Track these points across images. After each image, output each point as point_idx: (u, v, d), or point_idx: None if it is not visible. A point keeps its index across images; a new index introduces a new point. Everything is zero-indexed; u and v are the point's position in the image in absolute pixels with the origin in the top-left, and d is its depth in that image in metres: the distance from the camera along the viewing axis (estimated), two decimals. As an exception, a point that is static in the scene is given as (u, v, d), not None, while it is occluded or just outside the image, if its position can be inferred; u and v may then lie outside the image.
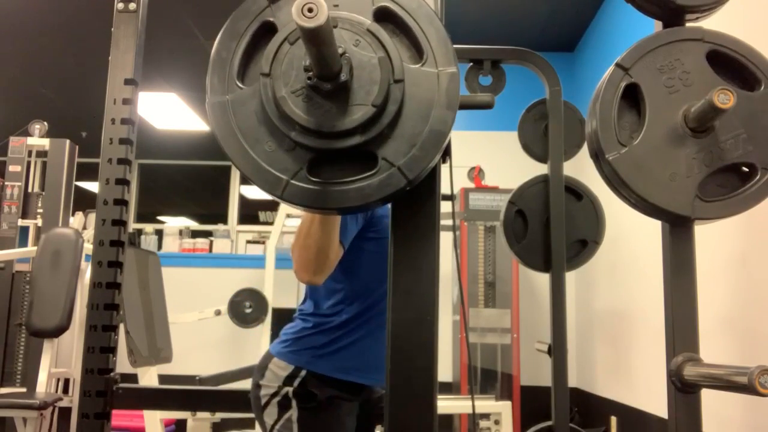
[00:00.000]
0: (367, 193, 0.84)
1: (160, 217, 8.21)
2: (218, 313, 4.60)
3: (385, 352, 1.53)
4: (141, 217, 7.01)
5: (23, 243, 4.31)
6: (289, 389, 1.43)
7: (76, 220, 4.45)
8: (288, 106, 0.84)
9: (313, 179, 0.85)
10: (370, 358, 1.51)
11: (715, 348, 2.23)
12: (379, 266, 1.51)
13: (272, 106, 0.85)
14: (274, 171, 0.85)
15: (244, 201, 6.93)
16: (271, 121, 0.85)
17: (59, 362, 4.03)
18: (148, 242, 5.54)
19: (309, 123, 0.83)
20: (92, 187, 6.52)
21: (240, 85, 0.88)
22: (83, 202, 4.76)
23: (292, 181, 0.85)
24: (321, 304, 1.52)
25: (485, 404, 3.24)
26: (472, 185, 4.40)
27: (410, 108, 0.86)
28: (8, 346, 4.03)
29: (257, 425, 1.51)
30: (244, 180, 6.75)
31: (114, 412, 1.67)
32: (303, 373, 1.45)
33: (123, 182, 1.69)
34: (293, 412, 1.42)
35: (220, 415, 2.94)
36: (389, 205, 1.54)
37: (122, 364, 2.18)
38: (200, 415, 2.92)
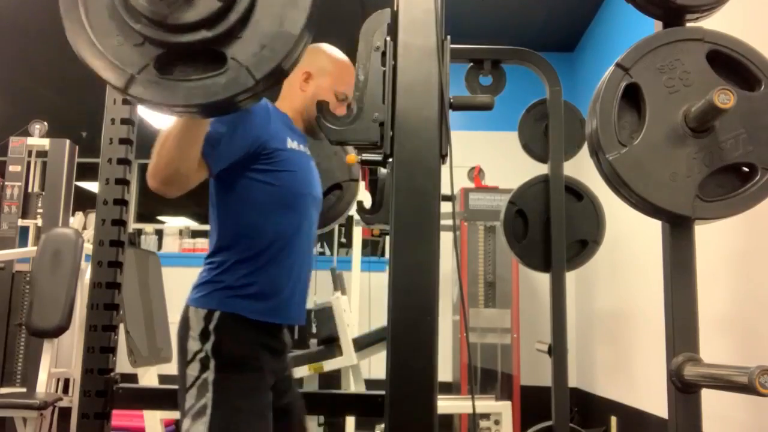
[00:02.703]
0: (213, 91, 0.84)
1: (160, 217, 8.20)
2: (218, 313, 4.58)
3: (294, 289, 1.49)
4: (141, 217, 7.00)
5: (23, 243, 4.31)
6: (209, 347, 1.41)
7: (76, 220, 4.45)
8: None
9: (161, 77, 0.85)
10: (279, 296, 1.47)
11: (715, 348, 2.23)
12: (278, 200, 1.47)
13: None
14: (120, 65, 0.85)
15: (244, 201, 6.91)
16: (119, 14, 0.85)
17: (59, 362, 4.03)
18: (148, 242, 5.53)
19: (153, 15, 0.83)
20: (92, 187, 6.51)
21: None
22: (83, 202, 4.76)
23: (138, 76, 0.84)
24: (221, 243, 1.48)
25: (485, 404, 3.24)
26: (472, 185, 4.40)
27: (261, 8, 0.86)
28: (8, 346, 4.03)
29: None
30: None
31: (114, 412, 1.67)
32: (217, 314, 1.42)
33: (123, 182, 1.69)
34: (210, 374, 1.39)
35: (220, 415, 2.94)
36: (288, 141, 1.50)
37: (122, 364, 2.18)
38: (200, 415, 2.91)
